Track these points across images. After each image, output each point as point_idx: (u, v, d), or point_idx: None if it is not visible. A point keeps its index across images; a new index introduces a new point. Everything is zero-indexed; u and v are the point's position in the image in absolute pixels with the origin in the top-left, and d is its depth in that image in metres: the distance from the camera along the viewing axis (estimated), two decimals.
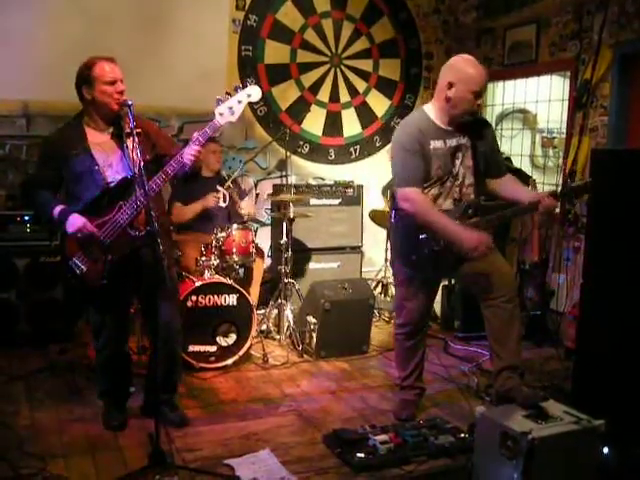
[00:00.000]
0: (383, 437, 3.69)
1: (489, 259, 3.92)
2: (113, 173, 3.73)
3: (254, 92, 3.80)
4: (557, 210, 6.00)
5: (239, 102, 3.75)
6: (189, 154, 3.68)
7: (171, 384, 4.09)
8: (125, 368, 4.12)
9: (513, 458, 3.04)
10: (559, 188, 3.93)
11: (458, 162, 3.89)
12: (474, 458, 3.34)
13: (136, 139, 3.49)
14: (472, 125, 3.92)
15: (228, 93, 3.76)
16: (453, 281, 6.04)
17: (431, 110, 3.91)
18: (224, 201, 5.58)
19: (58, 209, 3.66)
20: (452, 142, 3.87)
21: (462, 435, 3.79)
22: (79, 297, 4.93)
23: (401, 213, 3.89)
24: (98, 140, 3.75)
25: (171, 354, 4.03)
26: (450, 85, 3.75)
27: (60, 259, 3.89)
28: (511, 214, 4.05)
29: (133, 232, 3.71)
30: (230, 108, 3.72)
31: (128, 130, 3.59)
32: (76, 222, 3.61)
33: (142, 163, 3.47)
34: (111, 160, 3.74)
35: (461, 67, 3.78)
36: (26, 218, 5.34)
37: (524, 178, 6.33)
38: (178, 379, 4.16)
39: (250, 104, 6.51)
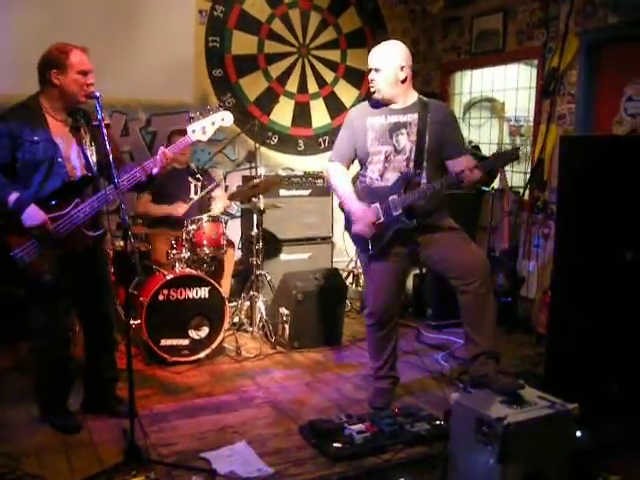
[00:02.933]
0: (359, 426, 3.70)
1: (460, 245, 3.95)
2: (71, 168, 3.65)
3: (227, 117, 3.87)
4: (526, 196, 6.06)
5: (212, 124, 3.80)
6: (158, 166, 3.69)
7: (114, 376, 4.08)
8: (69, 370, 3.98)
9: (489, 444, 3.06)
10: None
11: (403, 137, 3.95)
12: (450, 445, 3.35)
13: (105, 131, 3.43)
14: (423, 108, 3.98)
15: (201, 113, 3.81)
16: (424, 270, 6.06)
17: (377, 96, 4.05)
18: (195, 193, 5.56)
19: (14, 197, 3.44)
20: (394, 118, 3.98)
21: (438, 422, 3.80)
22: (20, 291, 4.78)
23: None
24: (59, 131, 3.64)
25: (111, 346, 4.08)
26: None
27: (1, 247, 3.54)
28: (433, 189, 3.87)
29: (87, 230, 3.64)
30: (203, 128, 3.78)
31: (96, 123, 3.53)
32: (36, 216, 3.45)
33: (111, 156, 3.41)
34: (68, 153, 3.65)
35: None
36: None
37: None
38: (117, 370, 4.12)
39: (218, 95, 6.56)
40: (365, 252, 4.08)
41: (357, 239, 4.08)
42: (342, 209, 4.14)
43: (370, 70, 3.97)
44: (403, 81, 3.94)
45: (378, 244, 3.98)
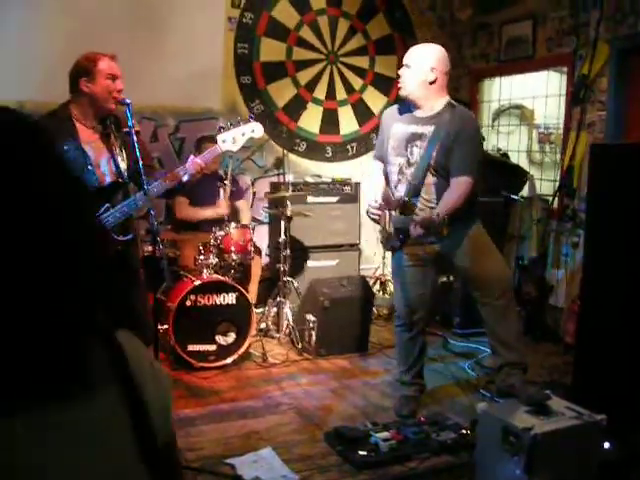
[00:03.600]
0: (385, 434, 3.69)
1: (481, 256, 3.94)
2: (101, 174, 3.69)
3: (257, 129, 3.92)
4: (555, 204, 6.01)
5: (242, 134, 3.85)
6: (189, 173, 3.71)
7: None
8: None
9: (515, 454, 3.03)
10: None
11: (417, 150, 3.91)
12: (476, 454, 3.33)
13: (134, 138, 3.46)
14: (450, 116, 3.87)
15: (232, 123, 3.85)
16: (451, 277, 6.04)
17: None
18: (227, 209, 5.62)
19: None
20: (413, 128, 3.94)
21: (464, 431, 3.78)
22: None
23: None
24: (88, 138, 3.67)
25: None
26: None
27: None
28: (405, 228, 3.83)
29: (117, 235, 3.68)
30: (233, 138, 3.82)
31: (126, 129, 3.57)
32: None
33: (141, 162, 3.44)
34: (99, 160, 3.69)
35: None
36: None
37: (522, 174, 6.35)
38: None
39: (247, 101, 6.58)
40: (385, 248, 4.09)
41: (381, 235, 4.08)
42: (370, 217, 4.12)
43: (402, 66, 3.96)
44: (431, 83, 3.87)
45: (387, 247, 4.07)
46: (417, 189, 3.87)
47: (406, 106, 4.02)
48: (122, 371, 0.86)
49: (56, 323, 0.76)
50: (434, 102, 3.92)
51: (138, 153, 3.45)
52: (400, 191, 3.93)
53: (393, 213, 3.85)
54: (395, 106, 4.18)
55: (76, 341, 0.79)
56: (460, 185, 3.79)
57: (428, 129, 3.88)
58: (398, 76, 3.99)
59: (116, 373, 0.85)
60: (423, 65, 3.87)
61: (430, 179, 3.88)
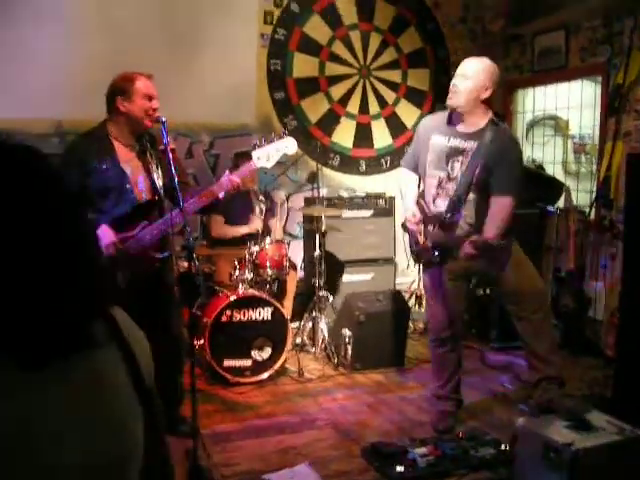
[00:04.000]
0: (422, 450, 3.65)
1: (516, 270, 3.89)
2: (139, 192, 3.74)
3: (291, 145, 3.94)
4: (592, 216, 5.94)
5: (277, 151, 3.87)
6: (224, 190, 3.74)
7: (180, 397, 4.11)
8: None
9: (557, 470, 3.00)
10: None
11: (458, 165, 3.86)
12: (515, 470, 3.29)
13: (170, 155, 3.49)
14: (487, 135, 3.80)
15: (266, 140, 3.89)
16: (488, 290, 5.98)
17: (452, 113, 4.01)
18: (260, 214, 5.63)
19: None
20: (454, 142, 3.87)
21: (503, 447, 3.73)
22: None
23: None
24: (126, 156, 3.73)
25: (180, 367, 4.11)
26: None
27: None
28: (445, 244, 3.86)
29: (154, 252, 3.71)
30: (267, 154, 3.85)
31: (162, 147, 3.60)
32: (107, 236, 3.54)
33: (177, 179, 3.47)
34: (136, 178, 3.74)
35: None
36: None
37: (558, 185, 6.29)
38: (183, 391, 4.12)
39: (280, 117, 6.61)
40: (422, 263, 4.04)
41: (414, 252, 4.06)
42: (405, 229, 4.10)
43: (454, 76, 3.87)
44: (483, 101, 3.83)
45: (431, 261, 3.96)
46: (458, 206, 3.82)
47: (445, 118, 3.96)
48: (117, 334, 1.18)
49: (67, 302, 1.06)
50: (479, 118, 3.85)
51: (174, 170, 3.47)
52: (439, 206, 3.88)
53: (430, 228, 3.83)
54: (431, 116, 4.16)
55: (82, 315, 1.09)
56: (504, 206, 3.75)
57: (470, 145, 3.82)
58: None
59: (113, 336, 1.17)
60: (479, 81, 3.79)
61: (471, 196, 3.82)
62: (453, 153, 3.87)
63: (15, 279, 1.01)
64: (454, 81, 3.85)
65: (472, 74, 3.80)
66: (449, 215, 3.77)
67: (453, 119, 3.94)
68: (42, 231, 1.05)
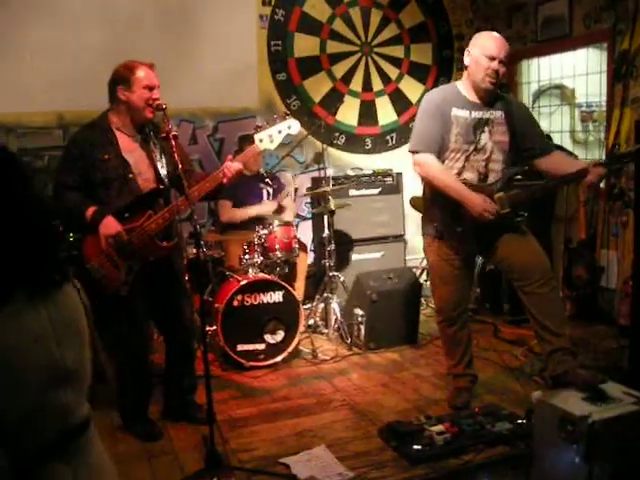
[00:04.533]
0: (439, 427, 3.63)
1: (518, 244, 3.86)
2: (143, 181, 3.72)
3: (294, 125, 3.85)
4: (602, 184, 5.88)
5: (279, 132, 3.80)
6: (227, 176, 3.71)
7: (194, 384, 4.11)
8: (150, 380, 4.05)
9: (574, 442, 2.97)
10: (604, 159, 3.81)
11: (485, 136, 3.85)
12: (533, 444, 3.27)
13: (173, 143, 3.47)
14: (506, 104, 3.92)
15: (268, 122, 3.83)
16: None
17: (461, 85, 3.96)
18: (267, 198, 5.60)
19: (92, 210, 3.58)
20: (477, 114, 3.86)
21: (519, 421, 3.71)
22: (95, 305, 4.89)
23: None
24: (129, 147, 3.72)
25: (191, 354, 4.12)
26: (467, 53, 3.88)
27: (75, 260, 3.68)
28: (553, 185, 3.95)
29: (161, 241, 3.69)
30: (270, 136, 3.78)
31: (164, 134, 3.57)
32: (112, 226, 3.55)
33: (181, 166, 3.44)
34: (140, 168, 3.73)
35: (476, 36, 3.94)
36: None
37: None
38: (196, 377, 4.13)
39: (283, 98, 6.58)
40: (466, 246, 3.94)
41: (458, 235, 3.88)
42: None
43: (493, 59, 3.76)
44: None
45: (481, 242, 3.90)
46: (504, 172, 3.90)
47: (459, 91, 3.91)
48: (74, 281, 1.69)
49: (50, 258, 1.60)
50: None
51: (177, 158, 3.44)
52: (466, 179, 3.83)
53: (499, 195, 3.80)
54: (444, 89, 4.04)
55: (56, 261, 1.62)
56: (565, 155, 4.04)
57: (495, 114, 3.88)
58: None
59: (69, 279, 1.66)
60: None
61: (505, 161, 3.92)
62: (479, 124, 3.86)
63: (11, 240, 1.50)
64: (495, 66, 3.76)
65: (506, 57, 3.83)
66: (499, 185, 3.84)
67: (461, 90, 3.92)
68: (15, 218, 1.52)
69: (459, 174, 3.86)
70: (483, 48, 3.79)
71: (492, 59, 3.76)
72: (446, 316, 4.11)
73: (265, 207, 5.63)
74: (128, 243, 3.59)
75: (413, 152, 3.92)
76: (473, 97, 3.88)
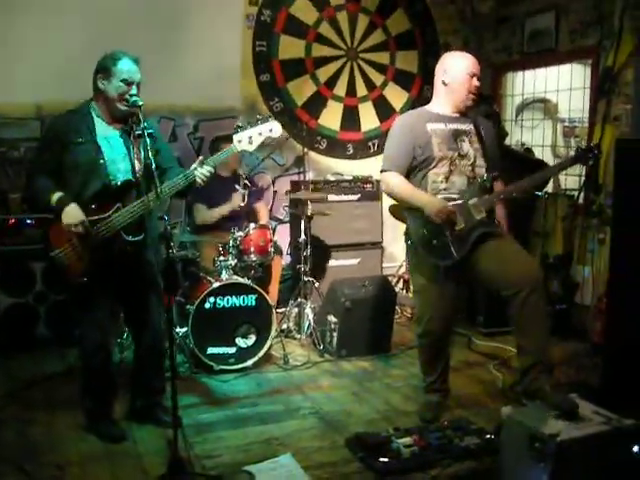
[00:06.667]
0: (407, 440, 3.59)
1: (506, 252, 3.83)
2: (115, 171, 3.65)
3: (275, 128, 3.76)
4: (580, 199, 5.87)
5: (259, 134, 3.72)
6: (201, 175, 3.65)
7: (162, 386, 4.03)
8: (113, 379, 3.97)
9: (541, 460, 2.94)
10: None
11: (465, 144, 3.93)
12: (500, 460, 3.24)
13: (147, 140, 3.41)
14: (480, 120, 4.07)
15: (249, 123, 3.75)
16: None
17: (433, 105, 4.06)
18: (243, 201, 5.51)
19: (57, 196, 3.53)
20: (453, 126, 3.96)
21: (488, 436, 3.67)
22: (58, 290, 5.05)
23: None
24: (106, 133, 3.67)
25: (161, 355, 4.02)
26: (444, 71, 3.96)
27: (43, 248, 3.71)
28: (521, 189, 3.99)
29: (127, 235, 3.62)
30: (250, 137, 3.71)
31: (139, 131, 3.51)
32: (74, 214, 3.50)
33: (154, 166, 3.38)
34: (114, 156, 3.66)
35: (450, 56, 4.05)
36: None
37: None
38: (165, 379, 4.04)
39: (266, 99, 6.52)
40: (445, 260, 3.84)
41: (435, 248, 3.83)
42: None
43: (473, 76, 3.93)
44: None
45: (461, 251, 3.80)
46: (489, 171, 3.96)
47: (431, 109, 4.04)
48: None
49: None
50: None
51: (150, 154, 3.39)
52: (455, 182, 3.88)
53: (473, 201, 3.84)
54: (416, 111, 4.13)
55: None
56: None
57: (469, 126, 3.99)
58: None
59: None
60: None
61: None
62: (457, 133, 3.94)
63: None
64: (476, 82, 3.94)
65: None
66: (491, 177, 3.92)
67: (432, 110, 4.03)
68: None
69: (446, 179, 3.88)
70: (463, 67, 3.93)
71: (472, 76, 3.91)
72: (428, 341, 4.07)
73: (234, 202, 5.47)
74: (93, 234, 3.53)
75: (382, 172, 4.00)
76: (448, 112, 3.98)
